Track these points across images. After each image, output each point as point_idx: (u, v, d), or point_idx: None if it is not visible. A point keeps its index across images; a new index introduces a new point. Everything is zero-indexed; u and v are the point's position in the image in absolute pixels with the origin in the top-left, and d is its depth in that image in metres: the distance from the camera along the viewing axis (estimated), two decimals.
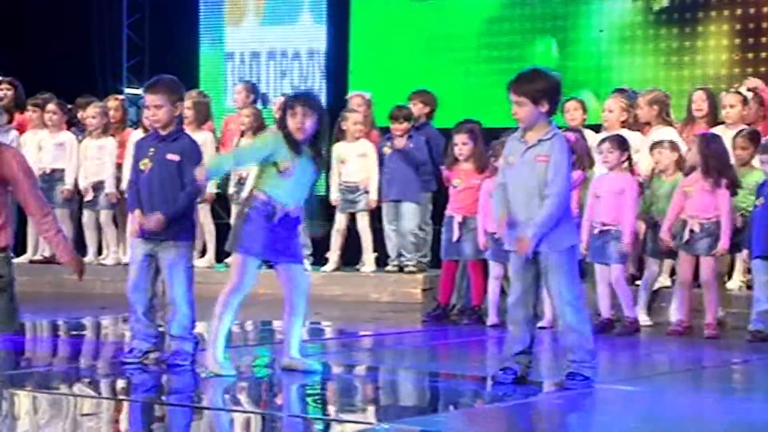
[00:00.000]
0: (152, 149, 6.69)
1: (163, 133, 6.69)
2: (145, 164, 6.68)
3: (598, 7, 12.82)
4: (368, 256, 10.90)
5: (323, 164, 6.64)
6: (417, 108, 10.81)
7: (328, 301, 10.02)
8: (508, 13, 13.26)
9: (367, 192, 10.69)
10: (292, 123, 6.40)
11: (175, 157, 6.61)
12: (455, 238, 9.08)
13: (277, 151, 6.41)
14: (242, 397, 6.26)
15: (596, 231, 8.53)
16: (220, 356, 6.49)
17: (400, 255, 10.69)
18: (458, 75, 13.22)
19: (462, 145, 9.08)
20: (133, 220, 6.76)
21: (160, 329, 6.88)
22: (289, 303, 6.61)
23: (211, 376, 6.38)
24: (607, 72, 12.54)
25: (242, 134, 11.12)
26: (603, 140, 8.80)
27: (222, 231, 11.45)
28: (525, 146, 6.09)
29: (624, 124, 9.50)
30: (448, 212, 9.20)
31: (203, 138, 10.98)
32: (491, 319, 8.87)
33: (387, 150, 10.61)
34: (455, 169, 9.20)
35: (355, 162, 10.67)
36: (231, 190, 11.23)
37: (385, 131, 10.88)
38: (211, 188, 10.95)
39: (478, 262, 9.06)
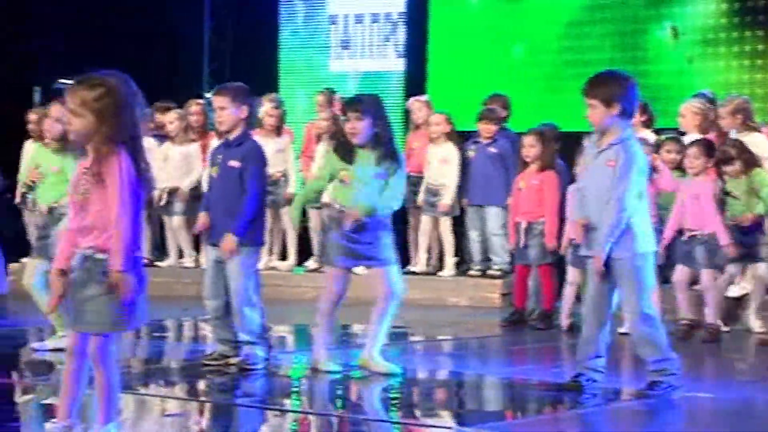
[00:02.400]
0: (220, 156, 6.80)
1: (229, 138, 6.78)
2: (215, 171, 6.80)
3: (680, 11, 12.70)
4: (449, 260, 10.91)
5: (391, 164, 6.63)
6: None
7: (407, 304, 10.02)
8: (588, 17, 13.19)
9: (437, 195, 10.70)
10: (346, 129, 6.54)
11: (236, 164, 6.69)
12: (521, 243, 9.06)
13: (331, 164, 6.65)
14: (319, 400, 6.32)
15: (685, 236, 8.45)
16: (377, 356, 6.66)
17: (485, 259, 10.68)
18: (538, 78, 13.18)
19: (529, 147, 9.05)
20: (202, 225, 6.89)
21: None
22: (377, 304, 6.69)
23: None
24: (688, 76, 12.41)
25: (318, 139, 11.17)
26: (690, 144, 8.71)
27: (304, 234, 11.58)
28: (597, 150, 6.09)
29: (700, 129, 9.35)
30: (515, 218, 9.15)
31: (283, 143, 11.13)
32: (564, 323, 8.84)
33: (471, 153, 10.60)
34: (523, 173, 9.17)
35: (438, 166, 10.67)
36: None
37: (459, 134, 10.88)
38: (292, 189, 11.01)
39: (547, 266, 9.03)
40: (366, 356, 6.70)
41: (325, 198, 7.76)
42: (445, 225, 10.85)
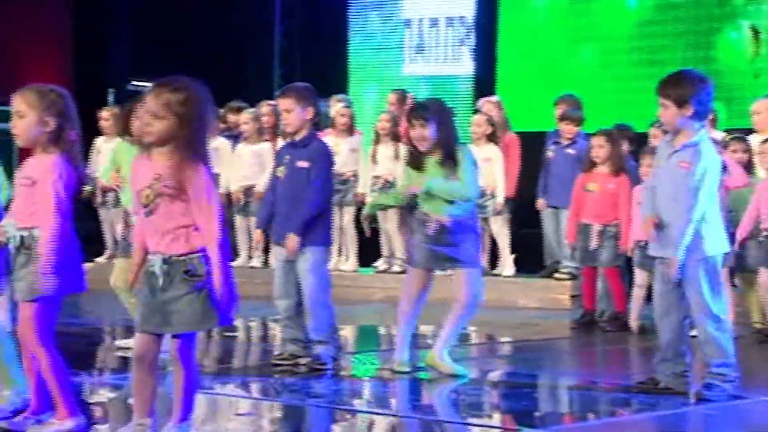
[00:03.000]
0: (287, 157, 6.85)
1: (296, 139, 6.85)
2: (281, 171, 6.85)
3: (755, 9, 12.57)
4: (506, 260, 10.90)
5: (453, 165, 6.64)
6: (561, 112, 10.78)
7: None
8: (660, 16, 13.11)
9: (493, 196, 10.69)
10: (412, 135, 6.62)
11: (305, 164, 6.75)
12: (593, 246, 9.01)
13: (410, 179, 6.75)
14: (389, 401, 6.36)
15: (763, 235, 8.37)
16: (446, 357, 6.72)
17: (556, 261, 10.66)
18: (608, 79, 13.12)
19: (598, 148, 9.00)
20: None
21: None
22: (453, 305, 6.78)
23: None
24: (765, 76, 12.28)
25: (378, 140, 11.19)
26: (765, 141, 8.63)
27: (374, 236, 11.63)
28: (671, 150, 6.07)
29: None
30: (583, 219, 9.08)
31: (355, 143, 11.20)
32: (633, 325, 8.80)
33: (551, 153, 10.58)
34: (591, 174, 9.12)
35: (481, 166, 10.66)
36: (371, 197, 11.30)
37: (521, 134, 10.88)
38: (361, 190, 11.06)
39: (615, 268, 8.98)
40: (435, 356, 6.74)
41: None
42: (497, 225, 10.85)
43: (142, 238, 4.62)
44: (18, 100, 4.86)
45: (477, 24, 14.01)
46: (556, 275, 10.57)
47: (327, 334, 6.82)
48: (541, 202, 10.66)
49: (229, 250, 4.59)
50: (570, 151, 10.40)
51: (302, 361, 6.83)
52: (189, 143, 4.50)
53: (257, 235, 7.19)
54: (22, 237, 4.82)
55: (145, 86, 10.85)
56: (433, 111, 6.69)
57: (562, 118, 10.47)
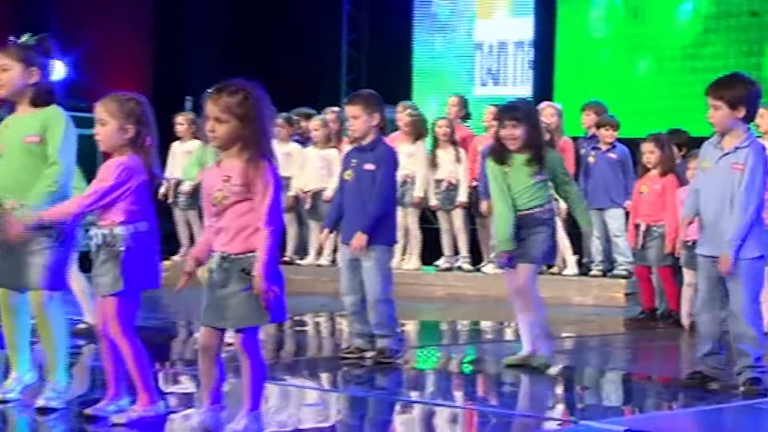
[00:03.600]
0: (354, 160, 6.87)
1: (363, 143, 6.86)
2: (349, 174, 6.87)
3: None
4: (569, 259, 10.86)
5: (540, 165, 6.64)
6: (590, 118, 10.78)
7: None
8: (713, 25, 12.98)
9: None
10: (502, 135, 6.58)
11: (371, 167, 6.77)
12: (639, 245, 8.98)
13: (491, 169, 6.72)
14: (454, 393, 6.36)
15: None
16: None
17: (606, 260, 10.62)
18: (662, 85, 13.03)
19: (649, 153, 8.94)
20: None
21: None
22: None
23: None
24: None
25: (437, 145, 11.19)
26: None
27: (431, 236, 11.64)
28: (721, 152, 5.99)
29: None
30: (636, 220, 9.07)
31: (416, 148, 11.20)
32: (685, 322, 8.71)
33: (592, 159, 10.55)
34: (644, 177, 9.07)
35: None
36: (434, 201, 11.34)
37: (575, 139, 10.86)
38: (418, 193, 11.07)
39: (666, 267, 8.91)
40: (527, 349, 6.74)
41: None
42: (559, 226, 10.79)
43: (204, 246, 4.65)
44: (100, 109, 4.93)
45: (535, 46, 13.96)
46: (613, 273, 10.55)
47: (390, 328, 6.83)
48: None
49: (278, 250, 4.61)
50: (611, 155, 10.45)
51: (368, 354, 6.84)
52: (253, 142, 4.52)
53: (324, 234, 7.22)
54: (103, 235, 4.88)
55: None
56: (523, 112, 6.68)
57: (600, 124, 10.47)
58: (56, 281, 5.23)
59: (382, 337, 6.80)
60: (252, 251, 4.50)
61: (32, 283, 5.19)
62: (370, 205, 6.70)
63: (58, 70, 13.39)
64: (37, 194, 5.10)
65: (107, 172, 4.88)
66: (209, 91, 4.62)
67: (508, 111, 6.75)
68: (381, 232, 6.75)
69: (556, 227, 6.76)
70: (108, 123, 4.89)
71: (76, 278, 7.42)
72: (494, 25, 14.47)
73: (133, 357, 4.89)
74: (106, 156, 5.04)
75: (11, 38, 5.33)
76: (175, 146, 11.97)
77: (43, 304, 5.23)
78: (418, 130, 11.09)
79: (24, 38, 5.34)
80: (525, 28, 14.15)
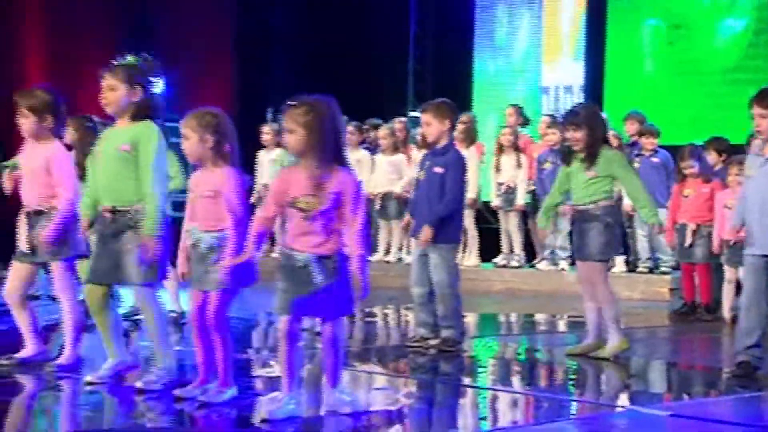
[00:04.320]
0: (427, 163, 6.89)
1: (436, 148, 6.87)
2: (422, 175, 6.90)
3: None
4: (617, 258, 10.78)
5: (591, 163, 6.61)
6: (633, 127, 10.74)
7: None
8: (754, 40, 12.82)
9: None
10: (567, 137, 6.69)
11: (440, 170, 6.77)
12: (688, 243, 8.94)
13: (563, 171, 6.80)
14: (510, 379, 6.36)
15: None
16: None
17: (650, 258, 10.56)
18: (703, 96, 12.91)
19: (689, 167, 8.98)
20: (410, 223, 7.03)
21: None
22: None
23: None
24: None
25: (501, 150, 11.21)
26: None
27: (489, 235, 11.65)
28: (764, 159, 5.95)
29: None
30: (680, 220, 9.03)
31: (469, 154, 11.21)
32: (727, 316, 8.65)
33: (636, 164, 10.51)
34: (686, 181, 9.05)
35: None
36: (496, 201, 11.36)
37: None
38: (472, 194, 11.08)
39: (707, 265, 8.91)
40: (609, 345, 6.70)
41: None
42: None
43: (259, 232, 4.69)
44: (183, 125, 5.02)
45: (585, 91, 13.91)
46: (659, 270, 10.51)
47: (454, 320, 6.84)
48: (630, 206, 10.58)
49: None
50: (654, 159, 10.46)
51: (432, 342, 6.86)
52: (324, 151, 4.57)
53: (405, 219, 7.23)
54: (216, 238, 4.95)
55: None
56: (583, 116, 6.67)
57: (642, 133, 10.50)
58: (156, 276, 5.34)
59: (447, 327, 6.81)
60: (337, 252, 4.61)
61: (134, 279, 5.29)
62: (438, 205, 6.72)
63: (159, 85, 13.63)
64: (152, 218, 5.21)
65: (233, 195, 4.95)
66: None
67: (569, 116, 6.79)
68: (447, 231, 6.76)
69: (613, 223, 6.70)
70: (191, 137, 4.98)
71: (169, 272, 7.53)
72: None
73: (222, 346, 4.98)
74: (195, 167, 5.13)
75: (117, 60, 5.43)
76: (261, 154, 12.09)
77: (146, 298, 5.34)
78: (471, 136, 11.14)
79: (128, 59, 5.44)
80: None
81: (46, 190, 5.77)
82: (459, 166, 6.82)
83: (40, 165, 5.77)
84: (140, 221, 5.25)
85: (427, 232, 6.70)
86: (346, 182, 4.60)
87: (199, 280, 5.00)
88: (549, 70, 14.36)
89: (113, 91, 5.35)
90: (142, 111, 5.37)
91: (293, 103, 4.63)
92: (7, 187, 6.13)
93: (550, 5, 14.33)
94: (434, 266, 6.78)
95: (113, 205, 5.30)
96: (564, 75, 14.26)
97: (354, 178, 4.66)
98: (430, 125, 6.81)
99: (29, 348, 5.96)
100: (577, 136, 6.57)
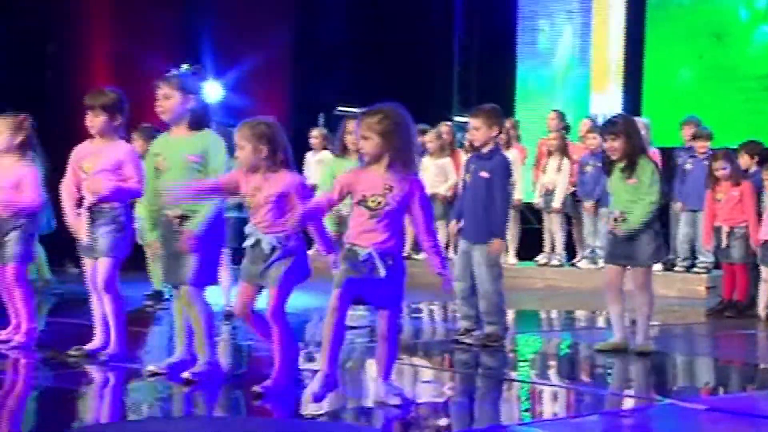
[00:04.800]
0: (473, 166, 6.84)
1: (482, 152, 6.82)
2: (468, 178, 6.85)
3: None
4: None
5: (631, 171, 6.54)
6: (690, 131, 10.63)
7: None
8: None
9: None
10: (606, 147, 6.63)
11: (486, 174, 6.72)
12: (724, 245, 8.84)
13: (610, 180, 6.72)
14: (551, 373, 6.30)
15: None
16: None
17: (687, 258, 10.46)
18: (739, 102, 12.73)
19: (721, 169, 8.83)
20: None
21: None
22: (635, 298, 6.66)
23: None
24: None
25: (549, 154, 11.18)
26: None
27: (531, 234, 11.58)
28: None
29: None
30: (716, 223, 8.91)
31: (512, 156, 11.19)
32: (762, 314, 8.53)
33: (689, 165, 10.42)
34: (719, 185, 8.92)
35: None
36: (538, 200, 11.32)
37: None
38: (518, 195, 11.06)
39: (744, 265, 8.79)
40: (640, 341, 6.64)
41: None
42: None
43: (314, 210, 4.81)
44: (238, 134, 5.03)
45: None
46: (695, 269, 10.39)
47: (497, 316, 6.79)
48: (680, 206, 10.46)
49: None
50: (707, 162, 10.21)
51: (475, 333, 6.80)
52: (398, 157, 4.62)
53: (452, 225, 7.19)
54: (277, 239, 4.98)
55: (348, 111, 11.08)
56: (621, 125, 6.62)
57: (695, 136, 10.32)
58: (207, 277, 5.36)
59: (489, 323, 6.77)
60: (398, 249, 4.68)
61: (185, 279, 5.31)
62: (494, 211, 6.66)
63: (216, 92, 13.73)
64: (202, 219, 5.23)
65: (298, 196, 4.99)
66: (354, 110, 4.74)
67: (607, 126, 6.73)
68: (491, 232, 6.71)
69: (659, 229, 6.62)
70: (245, 147, 4.99)
71: (224, 270, 7.56)
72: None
73: (281, 338, 4.99)
74: (248, 175, 5.12)
75: (172, 69, 5.44)
76: (308, 156, 12.11)
77: (192, 296, 5.34)
78: (511, 140, 11.17)
79: (182, 68, 5.45)
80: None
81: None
82: (505, 171, 6.78)
83: (111, 164, 5.78)
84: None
85: (499, 245, 6.69)
86: (413, 187, 4.67)
87: (258, 276, 5.02)
88: (595, 81, 14.26)
89: (168, 99, 5.35)
90: (197, 118, 5.38)
91: (368, 110, 4.64)
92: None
93: (596, 17, 14.20)
94: (477, 264, 6.73)
95: (183, 211, 5.28)
96: (606, 83, 14.14)
97: (421, 184, 4.74)
98: (479, 130, 6.76)
99: (97, 340, 6.00)
100: (615, 145, 6.50)
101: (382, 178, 4.63)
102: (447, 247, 11.65)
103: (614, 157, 6.55)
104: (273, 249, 4.99)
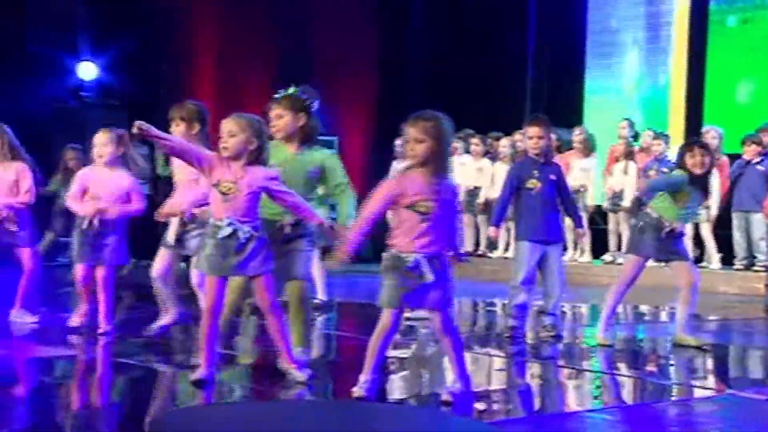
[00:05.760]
0: (536, 171, 6.70)
1: (542, 159, 6.71)
2: (533, 183, 6.70)
3: None
4: (714, 256, 10.50)
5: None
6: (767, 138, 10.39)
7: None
8: None
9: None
10: (690, 162, 6.35)
11: (554, 177, 6.69)
12: None
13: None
14: (618, 363, 6.17)
15: None
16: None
17: (747, 257, 10.22)
18: None
19: None
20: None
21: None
22: (682, 291, 6.49)
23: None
24: None
25: (617, 160, 11.05)
26: None
27: (598, 235, 11.39)
28: None
29: None
30: None
31: (589, 163, 11.08)
32: None
33: (754, 169, 10.24)
34: None
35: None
36: (606, 203, 11.17)
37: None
38: (592, 201, 10.92)
39: None
40: (679, 334, 6.48)
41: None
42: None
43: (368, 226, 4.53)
44: (230, 123, 4.89)
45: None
46: (755, 267, 10.16)
47: (556, 309, 6.72)
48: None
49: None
50: (759, 167, 10.16)
51: (545, 323, 6.73)
52: (443, 161, 4.52)
53: (493, 230, 7.08)
54: (253, 228, 4.85)
55: None
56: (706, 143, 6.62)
57: (750, 142, 10.17)
58: (310, 272, 5.37)
59: (553, 315, 6.71)
60: (444, 250, 4.54)
61: (300, 275, 5.24)
62: (578, 211, 6.69)
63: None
64: (346, 213, 5.20)
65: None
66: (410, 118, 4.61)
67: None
68: (562, 233, 6.69)
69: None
70: (237, 135, 4.81)
71: (316, 265, 7.56)
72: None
73: (282, 327, 4.92)
74: (226, 162, 5.03)
75: (281, 91, 5.43)
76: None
77: (304, 291, 5.29)
78: (588, 147, 11.03)
79: (291, 90, 5.44)
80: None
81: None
82: (564, 175, 6.78)
83: (194, 174, 5.78)
84: (309, 229, 5.21)
85: (581, 232, 6.89)
86: (453, 190, 4.59)
87: (230, 268, 4.83)
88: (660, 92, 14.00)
89: (281, 119, 5.33)
90: (308, 135, 5.36)
91: (423, 115, 4.55)
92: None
93: (662, 30, 13.92)
94: (549, 262, 6.66)
95: (296, 219, 5.23)
96: (669, 93, 13.87)
97: (455, 187, 4.63)
98: (542, 138, 6.69)
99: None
100: (707, 161, 6.38)
101: (429, 182, 4.48)
102: (507, 247, 11.60)
103: (697, 172, 6.35)
104: (249, 239, 4.79)
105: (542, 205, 6.67)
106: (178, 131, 5.91)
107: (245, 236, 4.80)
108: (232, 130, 4.84)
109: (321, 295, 7.96)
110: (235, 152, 4.83)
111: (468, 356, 5.61)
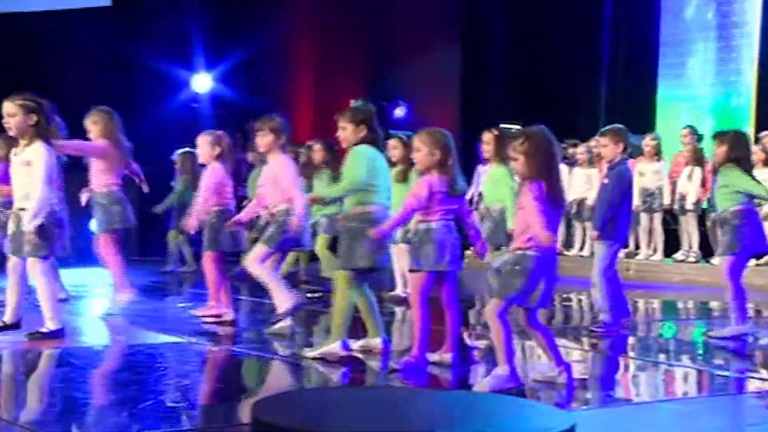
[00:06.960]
0: (605, 179, 6.82)
1: (611, 164, 6.76)
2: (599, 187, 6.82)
3: None
4: None
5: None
6: None
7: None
8: None
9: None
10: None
11: (606, 181, 6.75)
12: None
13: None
14: (683, 356, 6.14)
15: None
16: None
17: None
18: None
19: None
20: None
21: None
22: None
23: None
24: None
25: (685, 164, 10.92)
26: None
27: (668, 235, 11.25)
28: None
29: None
30: None
31: (659, 166, 10.96)
32: None
33: None
34: None
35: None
36: (675, 205, 11.03)
37: None
38: (666, 201, 10.79)
39: None
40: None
41: None
42: None
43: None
44: (417, 139, 5.14)
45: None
46: None
47: (604, 305, 6.71)
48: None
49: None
50: None
51: (601, 317, 6.76)
52: (538, 174, 4.59)
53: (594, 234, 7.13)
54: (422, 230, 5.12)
55: (510, 127, 11.06)
56: (727, 137, 6.59)
57: None
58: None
59: (601, 311, 6.73)
60: (526, 249, 4.63)
61: (365, 263, 5.40)
62: (600, 210, 6.70)
63: (399, 112, 13.99)
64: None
65: (417, 188, 5.09)
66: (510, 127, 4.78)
67: (717, 136, 6.67)
68: (608, 232, 6.67)
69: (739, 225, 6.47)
70: (421, 149, 5.06)
71: (400, 257, 7.64)
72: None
73: (420, 321, 5.10)
74: (421, 174, 5.24)
75: (350, 104, 5.64)
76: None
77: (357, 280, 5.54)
78: (658, 152, 10.90)
79: (355, 103, 5.63)
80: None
81: (274, 197, 6.05)
82: (619, 180, 6.69)
83: (271, 177, 6.12)
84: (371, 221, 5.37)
85: (593, 234, 6.77)
86: (534, 197, 4.63)
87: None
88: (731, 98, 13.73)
89: (344, 130, 5.55)
90: (370, 144, 5.52)
91: (513, 134, 4.69)
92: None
93: (733, 40, 13.65)
94: (596, 259, 6.73)
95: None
96: (740, 99, 13.60)
97: (540, 189, 4.70)
98: (607, 147, 6.76)
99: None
100: (717, 152, 6.46)
101: (523, 190, 4.69)
102: (582, 246, 11.55)
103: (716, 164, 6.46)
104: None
105: (599, 206, 6.79)
106: (263, 141, 6.16)
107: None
108: (417, 145, 5.09)
109: (400, 290, 8.06)
110: (423, 167, 5.09)
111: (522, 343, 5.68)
